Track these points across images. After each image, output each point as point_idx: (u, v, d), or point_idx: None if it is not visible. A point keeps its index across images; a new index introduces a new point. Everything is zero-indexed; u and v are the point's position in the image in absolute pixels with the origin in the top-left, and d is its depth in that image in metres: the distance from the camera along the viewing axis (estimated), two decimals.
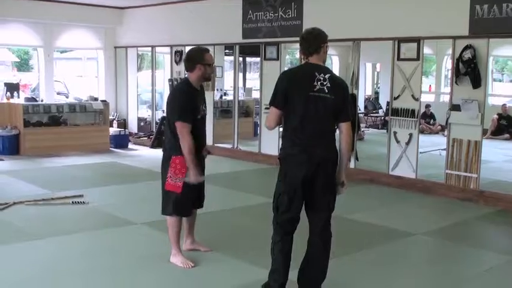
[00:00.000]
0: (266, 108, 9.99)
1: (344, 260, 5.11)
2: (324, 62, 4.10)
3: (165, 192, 4.75)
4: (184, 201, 4.73)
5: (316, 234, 4.10)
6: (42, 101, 12.15)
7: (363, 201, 7.67)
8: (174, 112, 4.67)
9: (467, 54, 7.47)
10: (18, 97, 11.77)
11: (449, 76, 8.57)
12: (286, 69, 10.40)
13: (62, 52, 21.33)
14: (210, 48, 5.31)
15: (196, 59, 4.73)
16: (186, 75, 4.86)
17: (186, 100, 4.66)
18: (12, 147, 10.61)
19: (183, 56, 11.76)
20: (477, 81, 7.45)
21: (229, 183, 8.16)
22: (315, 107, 3.92)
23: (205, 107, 4.90)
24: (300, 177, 3.92)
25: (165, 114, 12.75)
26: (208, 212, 5.39)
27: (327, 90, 3.93)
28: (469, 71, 7.46)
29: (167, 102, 4.87)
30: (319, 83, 3.93)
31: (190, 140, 4.53)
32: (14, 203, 6.79)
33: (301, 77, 4.00)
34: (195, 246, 5.14)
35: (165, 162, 4.73)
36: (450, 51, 8.05)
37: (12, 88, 11.81)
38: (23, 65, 30.02)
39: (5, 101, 11.18)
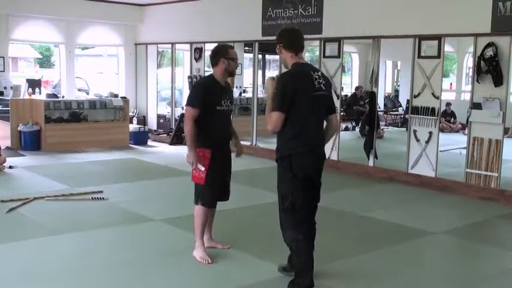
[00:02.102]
0: None
1: (362, 259, 5.10)
2: None
3: (195, 183, 4.88)
4: (207, 192, 4.79)
5: (310, 218, 4.24)
6: (63, 97, 12.27)
7: (382, 199, 7.63)
8: (187, 99, 4.85)
9: (489, 52, 7.38)
10: (40, 93, 11.90)
11: (471, 74, 8.47)
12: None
13: (83, 49, 21.53)
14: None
15: (220, 53, 4.87)
16: (211, 72, 4.96)
17: (202, 90, 4.80)
18: (33, 143, 10.71)
19: (203, 53, 11.88)
20: (499, 79, 7.36)
21: (247, 180, 8.18)
22: (317, 106, 4.10)
23: (231, 103, 4.98)
24: (309, 175, 4.08)
25: (184, 111, 12.84)
26: (225, 209, 5.40)
27: (324, 88, 4.13)
28: (491, 69, 7.38)
29: None
30: (316, 81, 4.09)
31: (190, 125, 4.68)
32: (35, 198, 6.86)
33: (303, 78, 4.09)
34: (212, 244, 5.14)
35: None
36: (472, 49, 7.96)
37: (34, 84, 11.94)
38: (44, 61, 30.38)
39: (27, 97, 11.30)
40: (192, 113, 4.69)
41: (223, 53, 4.85)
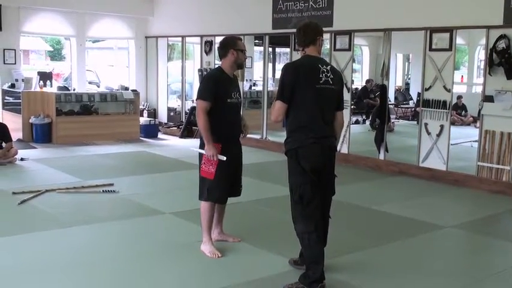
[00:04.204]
0: None
1: (372, 252, 5.09)
2: (319, 54, 4.30)
3: (201, 178, 4.84)
4: (217, 188, 4.76)
5: (324, 218, 4.25)
6: (74, 90, 12.31)
7: (392, 193, 7.61)
8: (197, 93, 4.80)
9: (502, 44, 7.33)
10: (51, 86, 11.94)
11: (482, 67, 8.41)
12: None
13: (93, 42, 21.55)
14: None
15: (229, 44, 4.85)
16: (219, 65, 4.95)
17: (213, 82, 4.77)
18: (44, 135, 10.78)
19: (213, 46, 11.87)
20: (511, 71, 7.30)
21: (257, 173, 8.18)
22: (323, 99, 4.09)
23: (240, 95, 4.96)
24: (316, 167, 4.06)
25: (194, 104, 12.86)
26: (236, 202, 5.40)
27: (331, 82, 4.13)
28: (503, 61, 7.33)
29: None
30: (323, 75, 4.09)
31: (204, 118, 4.63)
32: (46, 191, 6.90)
33: (306, 70, 4.11)
34: (223, 237, 5.15)
35: (200, 148, 4.81)
36: (483, 42, 7.90)
37: (45, 77, 11.98)
38: (55, 54, 30.47)
39: (38, 89, 11.34)
40: (203, 106, 4.65)
41: (232, 45, 4.82)
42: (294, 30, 10.08)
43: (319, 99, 4.07)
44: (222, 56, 4.87)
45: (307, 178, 4.04)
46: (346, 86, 9.26)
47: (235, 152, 4.85)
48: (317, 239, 4.09)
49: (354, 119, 12.15)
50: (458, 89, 14.11)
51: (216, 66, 5.04)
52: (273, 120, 4.20)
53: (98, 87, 15.93)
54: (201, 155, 4.81)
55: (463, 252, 5.61)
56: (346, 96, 9.22)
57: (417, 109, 10.41)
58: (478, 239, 5.78)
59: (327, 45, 9.83)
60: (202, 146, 4.77)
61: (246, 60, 5.14)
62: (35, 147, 10.28)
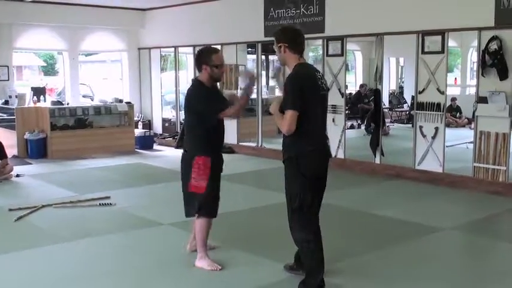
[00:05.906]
0: None
1: (370, 257, 5.07)
2: None
3: (188, 193, 4.65)
4: (210, 201, 4.67)
5: (318, 218, 4.23)
6: (68, 104, 12.29)
7: (389, 196, 7.61)
8: (200, 107, 4.56)
9: (494, 46, 7.37)
10: (45, 101, 11.92)
11: (475, 68, 8.44)
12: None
13: (86, 55, 21.56)
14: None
15: (203, 59, 4.64)
16: (197, 76, 4.77)
17: (207, 94, 4.60)
18: (39, 150, 10.73)
19: None
20: (504, 72, 7.33)
21: (253, 181, 8.16)
22: (322, 105, 4.15)
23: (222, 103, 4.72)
24: (316, 174, 4.07)
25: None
26: (233, 211, 5.39)
27: (325, 88, 4.20)
28: (496, 62, 7.36)
29: (185, 105, 4.70)
30: (319, 81, 4.12)
31: (228, 111, 4.55)
32: (43, 206, 6.86)
33: (310, 78, 4.10)
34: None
35: (187, 163, 4.62)
36: (475, 43, 7.93)
37: (39, 92, 11.97)
38: (49, 69, 30.45)
39: (32, 105, 11.33)
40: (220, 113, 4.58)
41: (205, 60, 4.59)
42: None
43: (320, 107, 4.11)
44: (198, 69, 4.68)
45: (307, 185, 4.02)
46: (340, 91, 9.31)
47: (222, 163, 4.78)
48: (316, 246, 4.08)
49: (349, 123, 12.17)
50: (452, 91, 14.16)
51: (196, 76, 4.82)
52: (285, 132, 3.99)
53: (92, 100, 15.92)
54: (186, 170, 4.62)
55: (462, 254, 5.60)
56: (340, 101, 9.29)
57: (411, 112, 10.43)
58: (477, 241, 5.77)
59: (319, 51, 9.86)
60: (190, 160, 4.57)
61: (224, 72, 4.84)
62: (30, 163, 10.23)
